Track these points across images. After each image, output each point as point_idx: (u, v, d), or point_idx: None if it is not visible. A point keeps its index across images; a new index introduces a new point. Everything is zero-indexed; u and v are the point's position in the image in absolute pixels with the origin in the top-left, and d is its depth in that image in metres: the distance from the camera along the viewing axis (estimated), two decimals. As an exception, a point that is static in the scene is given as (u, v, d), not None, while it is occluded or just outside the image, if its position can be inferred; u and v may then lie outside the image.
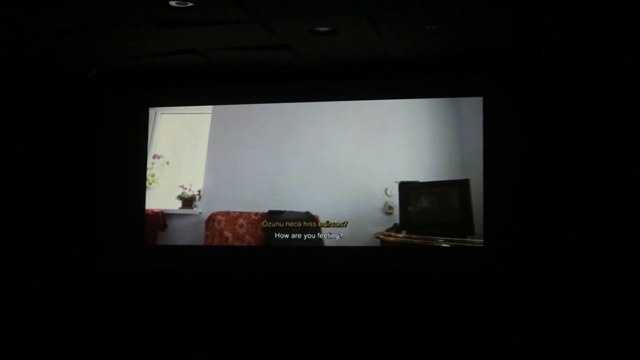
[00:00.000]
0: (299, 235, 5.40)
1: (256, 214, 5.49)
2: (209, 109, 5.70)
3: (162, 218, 5.65)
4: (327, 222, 5.36)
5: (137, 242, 5.63)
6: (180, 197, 5.63)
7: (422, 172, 5.25)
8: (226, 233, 5.52)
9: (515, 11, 4.12)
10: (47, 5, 4.06)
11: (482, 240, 5.07)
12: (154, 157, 5.71)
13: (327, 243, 5.37)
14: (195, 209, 5.59)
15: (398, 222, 5.25)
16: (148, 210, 5.66)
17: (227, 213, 5.52)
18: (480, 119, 5.15)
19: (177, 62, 5.31)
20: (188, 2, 4.04)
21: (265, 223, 5.45)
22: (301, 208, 5.43)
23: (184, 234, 5.61)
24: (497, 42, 4.77)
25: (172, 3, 4.05)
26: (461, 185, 5.14)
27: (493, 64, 5.14)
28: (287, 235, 5.41)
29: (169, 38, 4.72)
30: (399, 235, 5.25)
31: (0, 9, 4.10)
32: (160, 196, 5.69)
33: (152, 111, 5.72)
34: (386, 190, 5.28)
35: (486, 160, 5.10)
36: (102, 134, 5.76)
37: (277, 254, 5.42)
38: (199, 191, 5.60)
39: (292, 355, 5.23)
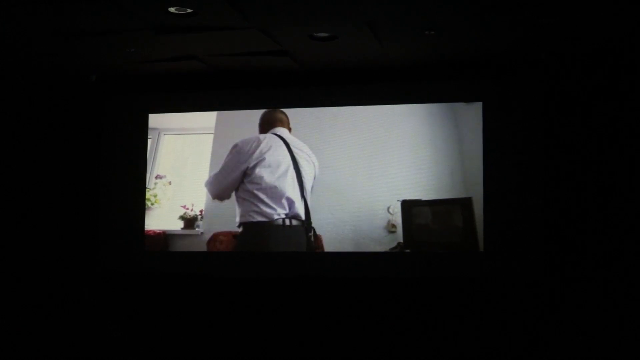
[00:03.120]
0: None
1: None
2: (211, 129, 5.66)
3: (164, 239, 5.62)
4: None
5: (138, 246, 5.63)
6: (182, 218, 5.60)
7: (424, 189, 5.19)
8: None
9: (515, 16, 4.13)
10: (48, 10, 4.07)
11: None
12: (156, 177, 5.70)
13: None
14: (197, 229, 5.55)
15: (401, 240, 5.19)
16: (150, 231, 5.64)
17: (229, 233, 5.48)
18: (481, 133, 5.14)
19: (177, 67, 5.32)
20: (188, 8, 4.04)
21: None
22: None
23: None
24: (497, 47, 4.77)
25: (172, 9, 4.05)
26: (464, 204, 5.10)
27: (492, 69, 5.14)
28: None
29: (169, 44, 4.72)
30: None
31: (1, 13, 4.11)
32: (162, 217, 5.66)
33: (155, 132, 5.73)
34: (388, 208, 5.22)
35: (486, 164, 5.10)
36: (102, 139, 5.76)
37: (278, 258, 5.41)
38: (201, 211, 5.56)
39: (292, 357, 5.23)
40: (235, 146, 5.48)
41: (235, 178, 5.42)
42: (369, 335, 5.20)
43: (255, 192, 5.36)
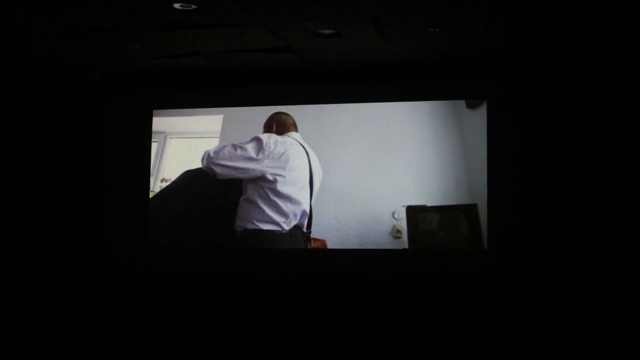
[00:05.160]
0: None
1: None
2: (216, 133, 5.63)
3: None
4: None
5: (140, 243, 5.62)
6: None
7: (429, 194, 5.15)
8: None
9: (520, 13, 4.11)
10: (51, 7, 4.06)
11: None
12: (162, 180, 5.68)
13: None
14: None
15: (407, 247, 5.16)
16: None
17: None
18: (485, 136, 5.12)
19: (180, 64, 5.32)
20: (192, 4, 4.04)
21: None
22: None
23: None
24: (502, 44, 4.76)
25: (176, 5, 4.05)
26: (470, 210, 5.06)
27: (497, 66, 5.13)
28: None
29: (173, 40, 4.71)
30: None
31: (4, 10, 4.10)
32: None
33: (161, 135, 5.72)
34: (393, 213, 5.18)
35: (490, 163, 5.09)
36: (105, 136, 5.77)
37: (280, 256, 5.40)
38: None
39: (293, 357, 5.23)
40: (259, 140, 5.30)
41: (249, 174, 5.26)
42: (371, 334, 5.19)
43: (274, 199, 5.23)
